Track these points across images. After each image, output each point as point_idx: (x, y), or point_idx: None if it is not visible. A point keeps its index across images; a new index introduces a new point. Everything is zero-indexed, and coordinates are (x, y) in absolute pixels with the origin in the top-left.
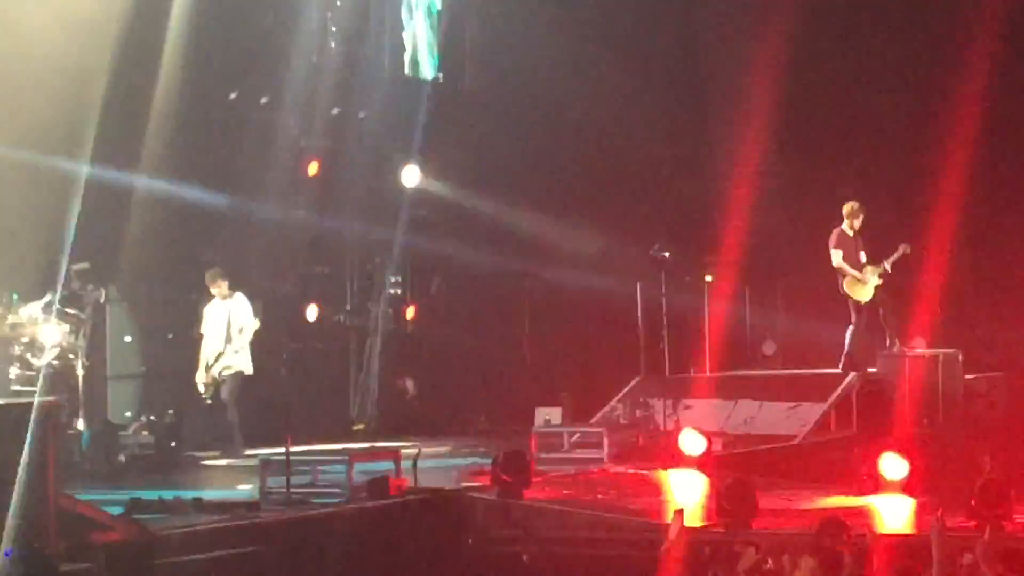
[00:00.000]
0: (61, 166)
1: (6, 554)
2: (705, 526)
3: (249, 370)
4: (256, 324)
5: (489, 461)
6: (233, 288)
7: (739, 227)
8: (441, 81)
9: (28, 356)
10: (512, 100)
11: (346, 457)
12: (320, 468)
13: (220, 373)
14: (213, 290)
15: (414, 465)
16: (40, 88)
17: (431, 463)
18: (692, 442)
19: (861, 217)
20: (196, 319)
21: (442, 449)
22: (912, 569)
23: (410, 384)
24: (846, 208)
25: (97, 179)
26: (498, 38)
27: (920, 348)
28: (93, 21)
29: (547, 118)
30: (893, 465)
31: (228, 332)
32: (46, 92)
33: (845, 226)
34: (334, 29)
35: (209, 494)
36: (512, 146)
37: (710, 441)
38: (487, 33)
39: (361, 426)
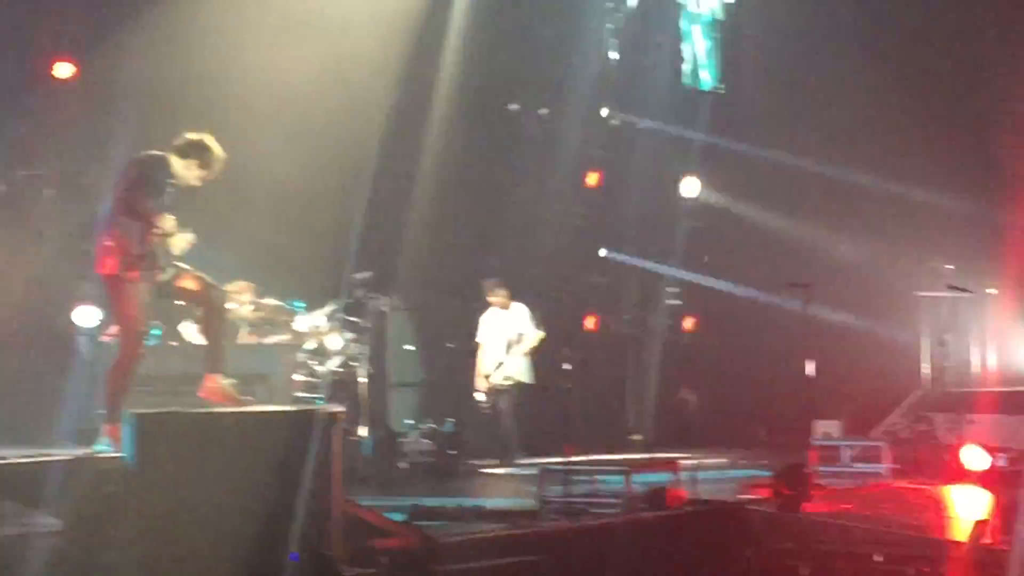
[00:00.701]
0: (344, 178)
1: (292, 557)
2: (988, 544)
3: (529, 380)
4: (540, 334)
5: (768, 474)
6: (513, 298)
7: None
8: (722, 92)
9: (312, 363)
10: (792, 111)
11: (625, 467)
12: (598, 478)
13: (500, 382)
14: (492, 300)
15: (692, 477)
16: (327, 98)
17: (710, 475)
18: (975, 457)
19: None
20: (475, 328)
21: (721, 461)
22: None
23: (689, 395)
24: None
25: (379, 189)
26: (780, 48)
27: None
28: (376, 33)
29: (823, 128)
30: None
31: (508, 342)
32: (333, 103)
33: None
34: (614, 40)
35: (489, 502)
36: (790, 158)
37: (994, 456)
38: (769, 44)
39: (639, 437)
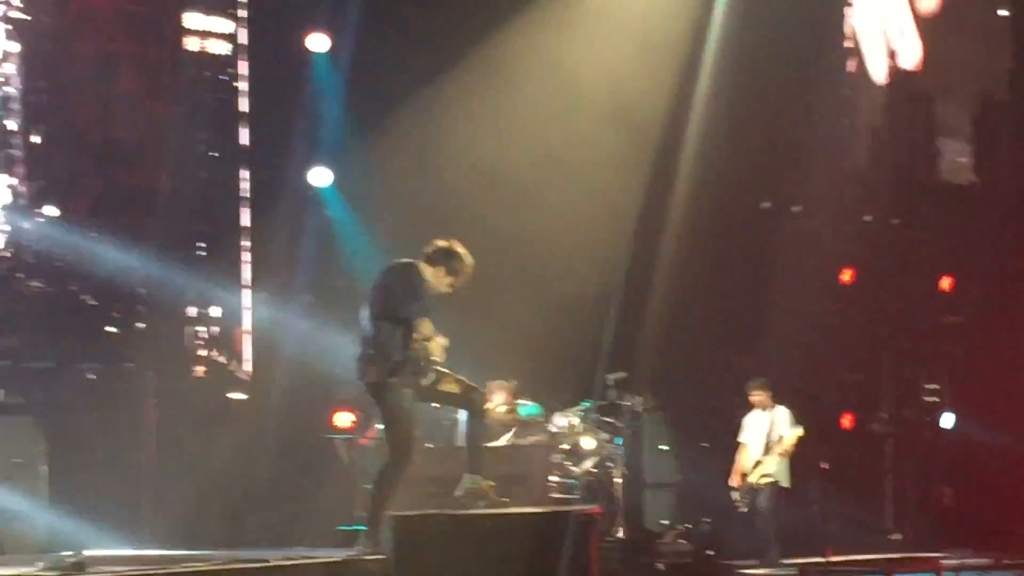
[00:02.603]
0: (597, 279)
1: None
2: None
3: (786, 483)
4: (798, 431)
5: None
6: (774, 400)
7: None
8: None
9: (568, 464)
10: None
11: (884, 567)
12: None
13: (757, 482)
14: (754, 399)
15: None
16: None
17: (973, 574)
18: None
19: None
20: (731, 428)
21: (983, 561)
22: None
23: (948, 492)
24: None
25: (632, 288)
26: None
27: None
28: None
29: None
30: None
31: (767, 442)
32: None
33: None
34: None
35: None
36: None
37: None
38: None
39: (898, 535)
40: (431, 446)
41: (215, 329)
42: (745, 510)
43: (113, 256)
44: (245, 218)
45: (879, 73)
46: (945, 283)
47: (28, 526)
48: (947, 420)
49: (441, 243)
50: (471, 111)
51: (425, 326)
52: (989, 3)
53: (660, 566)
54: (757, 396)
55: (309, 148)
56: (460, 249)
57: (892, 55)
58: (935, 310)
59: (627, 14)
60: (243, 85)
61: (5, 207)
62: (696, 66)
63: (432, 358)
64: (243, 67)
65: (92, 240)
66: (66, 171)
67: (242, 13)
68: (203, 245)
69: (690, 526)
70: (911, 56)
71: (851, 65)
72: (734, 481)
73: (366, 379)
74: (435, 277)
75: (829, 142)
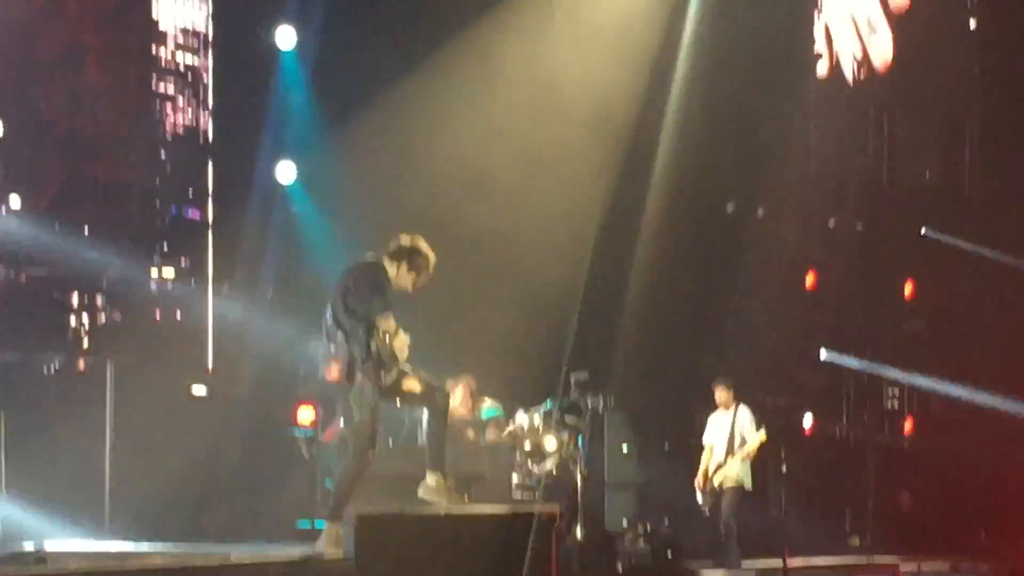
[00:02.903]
0: (560, 278)
1: None
2: None
3: (748, 485)
4: (761, 436)
5: None
6: (736, 399)
7: None
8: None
9: (529, 464)
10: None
11: (843, 572)
12: None
13: (719, 485)
14: (718, 398)
15: None
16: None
17: None
18: None
19: None
20: (693, 429)
21: (941, 566)
22: None
23: (906, 498)
24: None
25: (595, 288)
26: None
27: None
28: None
29: None
30: None
31: (730, 443)
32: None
33: None
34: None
35: None
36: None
37: None
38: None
39: (857, 540)
40: (393, 444)
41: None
42: (708, 512)
43: (75, 247)
44: (209, 212)
45: (846, 75)
46: (907, 288)
47: None
48: (906, 426)
49: (404, 240)
50: (439, 108)
51: (388, 323)
52: (958, 11)
53: (619, 567)
54: (720, 394)
55: (275, 143)
56: (423, 246)
57: (861, 58)
58: (897, 315)
59: (601, 16)
60: (209, 79)
61: None
62: (667, 69)
63: (395, 355)
64: (209, 60)
65: (55, 231)
66: (31, 162)
67: (208, 8)
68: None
69: (650, 527)
70: (881, 55)
71: (820, 69)
72: (697, 483)
73: (329, 376)
74: (398, 274)
75: (795, 145)
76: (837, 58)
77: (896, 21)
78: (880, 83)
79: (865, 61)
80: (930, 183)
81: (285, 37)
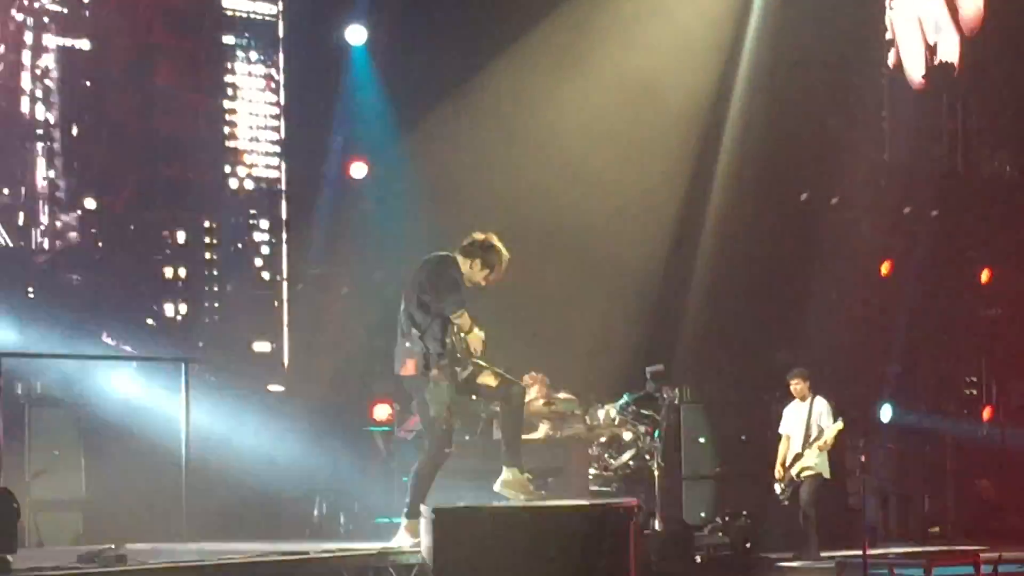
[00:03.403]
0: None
1: None
2: None
3: (827, 474)
4: (838, 426)
5: None
6: (812, 390)
7: None
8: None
9: (606, 457)
10: None
11: (924, 561)
12: (897, 571)
13: (798, 475)
14: (794, 389)
15: (995, 569)
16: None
17: (1012, 567)
18: None
19: None
20: (769, 420)
21: (1022, 555)
22: None
23: (987, 486)
24: None
25: (669, 281)
26: None
27: None
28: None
29: None
30: None
31: (807, 434)
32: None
33: None
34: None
35: None
36: None
37: None
38: None
39: (937, 529)
40: (470, 438)
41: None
42: (786, 503)
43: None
44: (283, 211)
45: (917, 66)
46: (984, 275)
47: (67, 518)
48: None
49: (478, 236)
50: (513, 103)
51: (463, 319)
52: None
53: (698, 559)
54: (796, 385)
55: (348, 141)
56: (497, 242)
57: (931, 49)
58: (974, 302)
59: (672, 7)
60: (281, 77)
61: (45, 200)
62: (737, 59)
63: (470, 351)
64: (281, 59)
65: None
66: (104, 164)
67: (278, 7)
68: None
69: (728, 519)
70: (949, 50)
71: (891, 58)
72: (776, 474)
73: (404, 372)
74: (471, 270)
75: (868, 134)
76: (907, 47)
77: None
78: (950, 72)
79: (935, 51)
80: (1005, 172)
81: (355, 34)
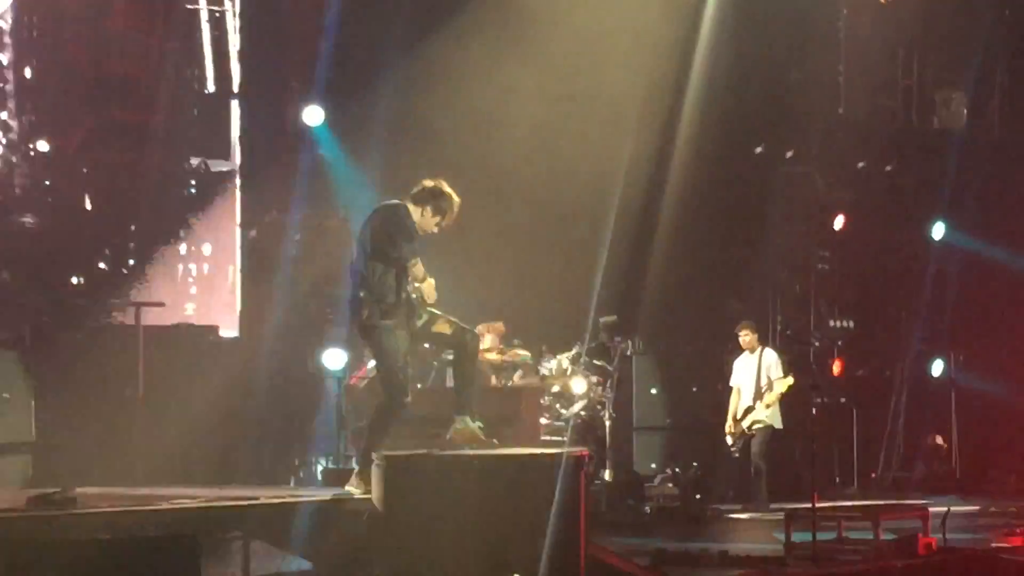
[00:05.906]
0: (587, 222)
1: None
2: None
3: (778, 425)
4: (788, 381)
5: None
6: (761, 342)
7: None
8: (970, 131)
9: (557, 406)
10: None
11: (873, 514)
12: (846, 524)
13: (749, 427)
14: (743, 340)
15: (943, 523)
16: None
17: (959, 522)
18: None
19: None
20: (721, 372)
21: (973, 508)
22: None
23: (939, 440)
24: None
25: (622, 232)
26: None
27: None
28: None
29: None
30: None
31: (758, 386)
32: (576, 144)
33: None
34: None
35: (733, 547)
36: None
37: None
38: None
39: (886, 482)
40: (422, 387)
41: (206, 267)
42: (737, 455)
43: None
44: (236, 156)
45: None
46: (937, 231)
47: (16, 461)
48: (937, 368)
49: (428, 183)
50: (471, 51)
51: (417, 267)
52: None
53: (648, 509)
54: (745, 336)
55: (302, 86)
56: (447, 189)
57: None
58: (926, 257)
59: None
60: (235, 21)
61: None
62: (696, 13)
63: (424, 299)
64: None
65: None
66: (57, 106)
67: None
68: (193, 183)
69: (679, 470)
70: None
71: (846, 10)
72: (727, 427)
73: (358, 320)
74: (423, 218)
75: (823, 88)
76: None
77: None
78: (906, 25)
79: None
80: (959, 126)
81: None
